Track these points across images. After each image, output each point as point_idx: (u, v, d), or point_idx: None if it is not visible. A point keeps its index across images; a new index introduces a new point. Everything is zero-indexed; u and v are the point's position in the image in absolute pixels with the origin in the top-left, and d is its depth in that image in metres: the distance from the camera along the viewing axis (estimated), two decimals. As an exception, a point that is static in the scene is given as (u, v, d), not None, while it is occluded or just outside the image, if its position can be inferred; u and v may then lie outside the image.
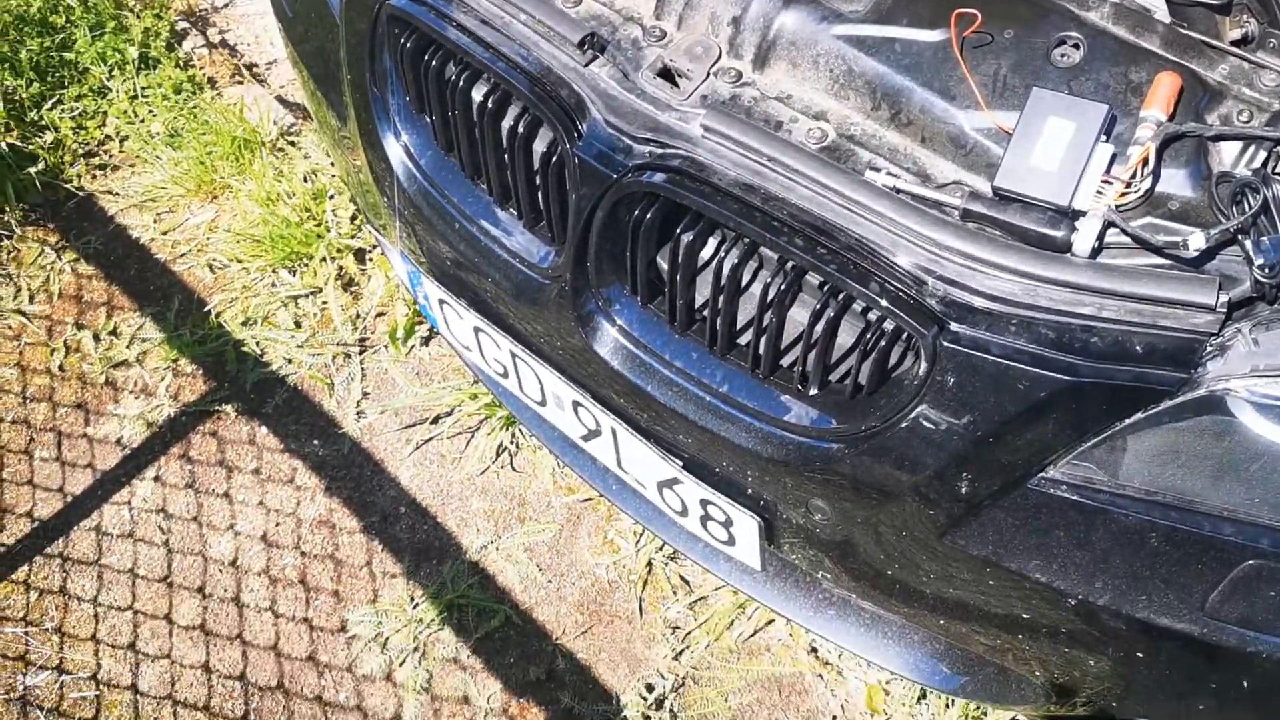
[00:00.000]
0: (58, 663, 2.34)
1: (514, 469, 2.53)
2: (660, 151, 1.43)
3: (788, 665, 2.24)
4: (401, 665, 2.28)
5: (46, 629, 2.38)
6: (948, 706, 2.14)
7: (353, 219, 2.84)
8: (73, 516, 2.52)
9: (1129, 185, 1.24)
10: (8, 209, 2.97)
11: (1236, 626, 1.28)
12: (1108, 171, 1.25)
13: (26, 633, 2.38)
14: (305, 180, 2.92)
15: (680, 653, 2.26)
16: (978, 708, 2.13)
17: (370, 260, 2.82)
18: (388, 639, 2.31)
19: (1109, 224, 1.23)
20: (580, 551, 2.41)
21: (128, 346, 2.76)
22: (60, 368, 2.74)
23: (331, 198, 2.88)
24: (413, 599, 2.36)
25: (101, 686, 2.31)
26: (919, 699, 2.15)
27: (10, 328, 2.82)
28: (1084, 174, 1.24)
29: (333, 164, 2.92)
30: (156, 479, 2.56)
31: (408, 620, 2.33)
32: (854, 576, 1.64)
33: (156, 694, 2.29)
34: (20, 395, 2.71)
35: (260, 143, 3.01)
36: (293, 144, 3.05)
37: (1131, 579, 1.32)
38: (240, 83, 3.26)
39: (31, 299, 2.86)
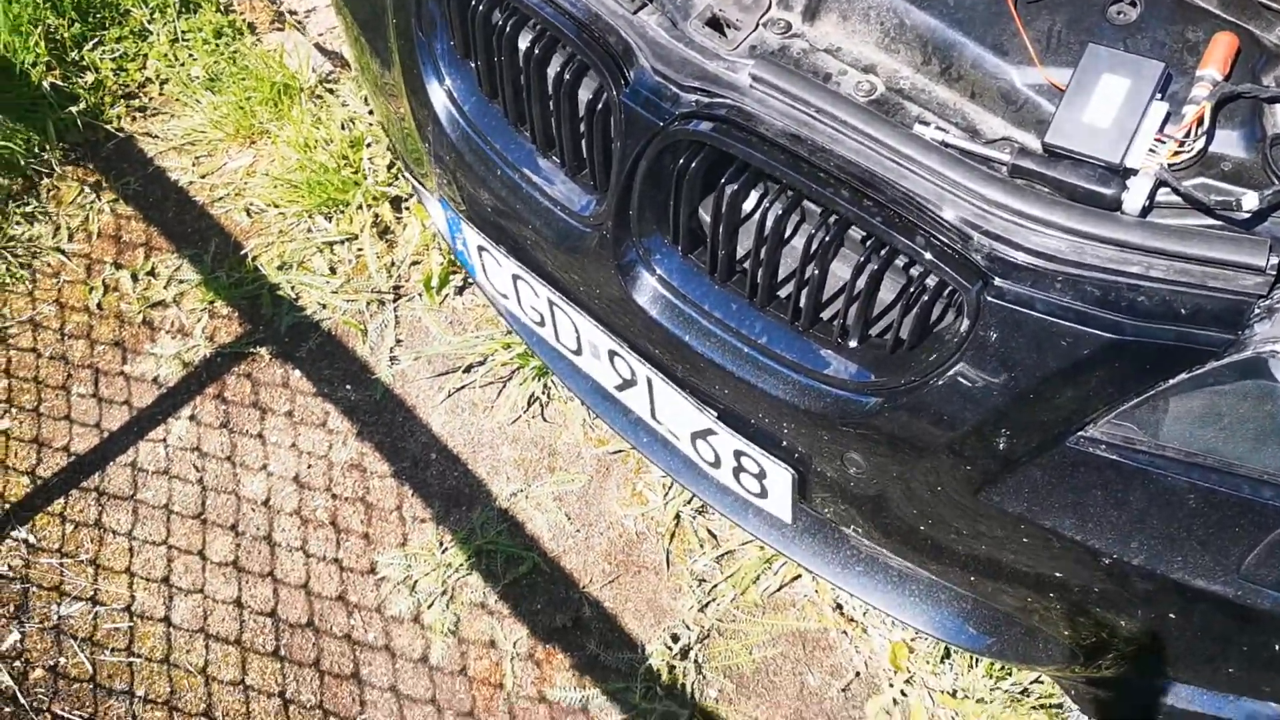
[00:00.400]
0: (92, 594, 2.38)
1: (545, 419, 2.54)
2: (707, 100, 1.42)
3: (813, 621, 2.26)
4: (430, 608, 2.31)
5: (82, 561, 2.42)
6: (971, 666, 2.15)
7: (389, 167, 2.85)
8: (109, 452, 2.56)
9: (1182, 144, 1.23)
10: (48, 148, 2.99)
11: (1272, 590, 1.28)
12: (1161, 130, 1.23)
13: (62, 564, 2.42)
14: (343, 128, 2.93)
15: (706, 605, 2.28)
16: (1002, 667, 2.14)
17: (406, 209, 2.83)
18: (416, 582, 2.34)
19: (1161, 183, 1.22)
20: (609, 502, 2.43)
21: (165, 287, 2.78)
22: (98, 306, 2.77)
23: (369, 145, 2.89)
24: (442, 544, 2.38)
25: (135, 618, 2.35)
26: (943, 658, 2.17)
27: (49, 265, 2.85)
28: (1137, 132, 1.22)
29: (371, 112, 2.92)
30: (192, 418, 2.60)
31: (437, 564, 2.35)
32: (885, 532, 1.64)
33: (189, 627, 2.33)
34: (59, 332, 2.74)
35: (299, 89, 3.02)
36: (331, 91, 3.05)
37: (1167, 540, 1.32)
38: (280, 29, 3.26)
39: (71, 237, 2.89)
